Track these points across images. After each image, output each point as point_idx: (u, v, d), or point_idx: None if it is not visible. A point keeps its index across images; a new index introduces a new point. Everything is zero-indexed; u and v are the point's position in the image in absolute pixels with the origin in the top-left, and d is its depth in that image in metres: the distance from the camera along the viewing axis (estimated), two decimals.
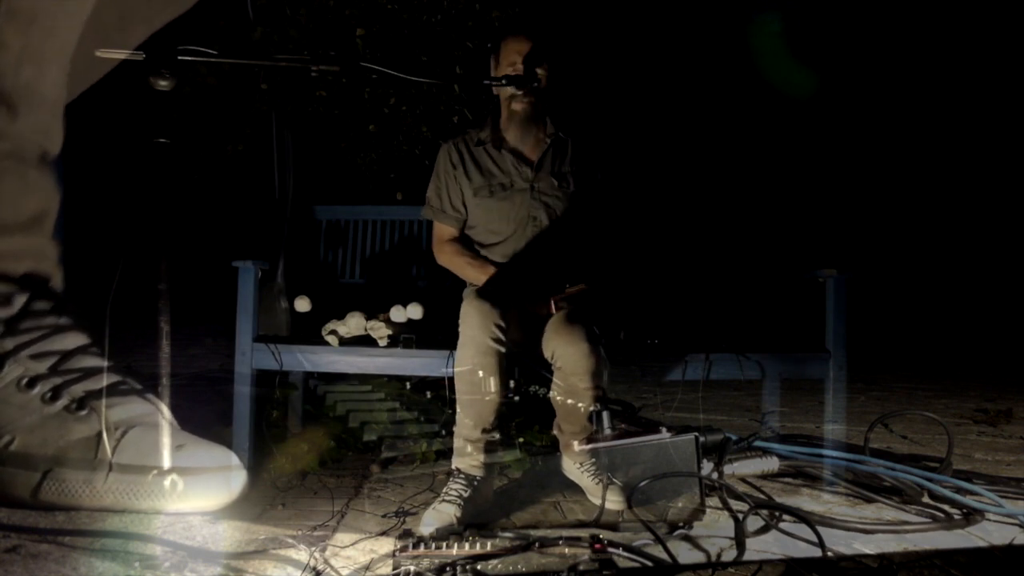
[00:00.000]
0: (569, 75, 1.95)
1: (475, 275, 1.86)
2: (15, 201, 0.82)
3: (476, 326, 1.54)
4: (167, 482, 1.05)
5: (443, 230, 1.95)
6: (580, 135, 1.99)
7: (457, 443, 1.62)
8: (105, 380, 0.84)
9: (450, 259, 1.92)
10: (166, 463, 0.80)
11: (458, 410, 1.61)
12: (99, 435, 0.78)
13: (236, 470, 0.88)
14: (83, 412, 0.79)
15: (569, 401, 1.62)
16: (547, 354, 1.63)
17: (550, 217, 1.86)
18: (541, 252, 1.85)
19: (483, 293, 1.59)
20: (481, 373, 1.54)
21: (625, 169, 2.03)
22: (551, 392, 1.65)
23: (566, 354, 1.57)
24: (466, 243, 1.94)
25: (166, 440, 0.82)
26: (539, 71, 1.81)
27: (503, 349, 1.56)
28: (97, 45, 0.86)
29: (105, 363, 0.85)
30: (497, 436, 1.63)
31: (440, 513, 1.49)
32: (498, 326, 1.54)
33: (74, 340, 0.84)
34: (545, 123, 1.94)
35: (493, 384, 1.55)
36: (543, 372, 1.68)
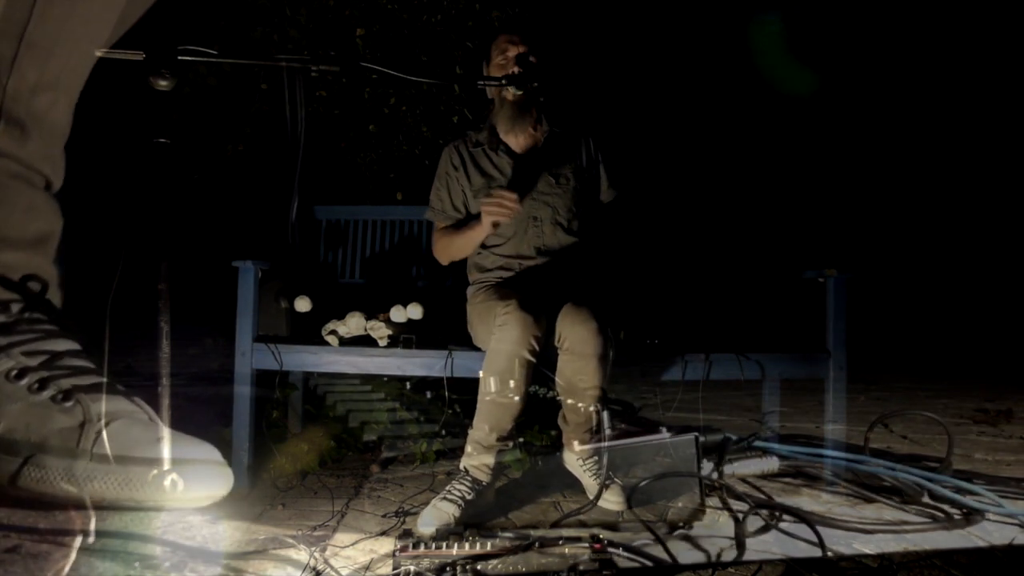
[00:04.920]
0: (562, 71, 1.95)
1: (465, 239, 1.81)
2: (21, 220, 0.83)
3: (516, 339, 1.53)
4: (167, 481, 1.05)
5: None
6: (577, 130, 1.99)
7: (469, 445, 1.63)
8: (93, 379, 0.84)
9: (445, 246, 1.90)
10: (150, 454, 0.80)
11: (476, 414, 1.61)
12: (82, 425, 0.78)
13: (221, 465, 0.88)
14: (68, 403, 0.80)
15: (573, 388, 1.62)
16: (555, 339, 1.63)
17: (551, 216, 1.86)
18: (543, 252, 1.85)
19: (524, 304, 1.57)
20: (511, 383, 1.55)
21: (627, 161, 2.03)
22: (556, 378, 1.65)
23: (574, 333, 1.57)
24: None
25: (149, 433, 0.82)
26: (532, 59, 1.83)
27: (535, 360, 1.57)
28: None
29: (94, 366, 0.86)
30: (510, 444, 1.63)
31: (439, 511, 1.49)
32: (535, 338, 1.55)
33: (66, 344, 0.85)
34: (540, 120, 1.94)
35: (519, 393, 1.56)
36: (546, 372, 1.68)
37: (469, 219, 1.87)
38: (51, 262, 0.88)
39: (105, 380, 0.85)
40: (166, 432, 0.85)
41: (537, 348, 1.56)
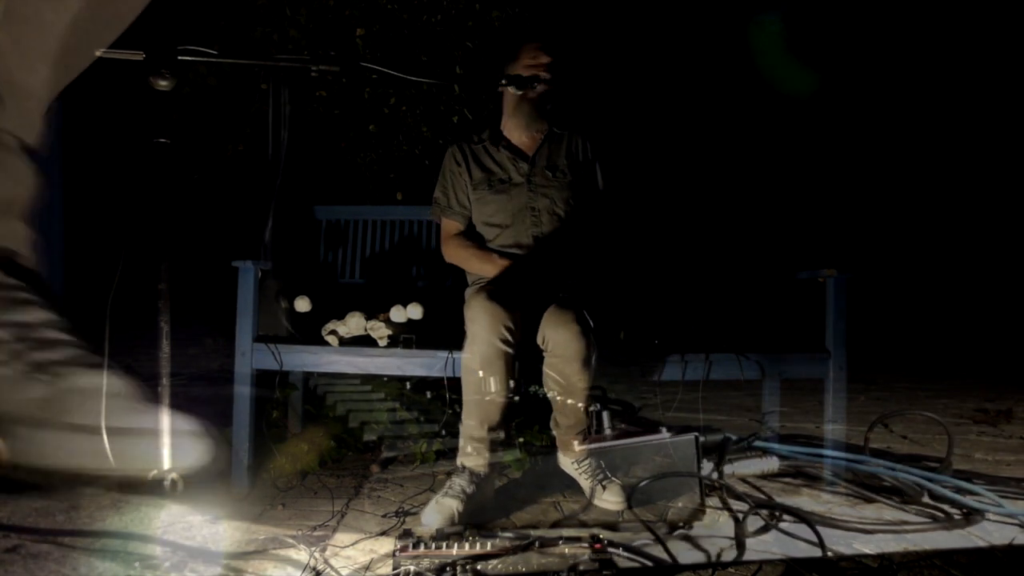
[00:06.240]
0: (572, 73, 1.97)
1: (480, 266, 1.89)
2: None
3: (485, 327, 1.55)
4: (167, 482, 1.05)
5: (450, 226, 1.99)
6: (576, 130, 2.02)
7: (462, 441, 1.65)
8: (68, 351, 0.83)
9: (456, 252, 1.95)
10: (127, 424, 0.79)
11: (464, 409, 1.63)
12: (56, 397, 0.77)
13: (201, 436, 0.87)
14: (43, 376, 0.79)
15: (561, 389, 1.63)
16: (539, 340, 1.65)
17: (549, 207, 1.89)
18: (540, 241, 1.87)
19: (492, 294, 1.60)
20: (488, 373, 1.56)
21: (623, 162, 2.05)
22: (544, 381, 1.66)
23: (555, 336, 1.59)
24: (472, 237, 1.97)
25: (126, 404, 0.81)
26: (558, 68, 1.88)
27: (510, 350, 1.58)
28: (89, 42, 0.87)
29: (69, 337, 0.85)
30: (501, 435, 1.65)
31: (443, 506, 1.51)
32: (506, 327, 1.56)
33: (40, 315, 0.84)
34: (541, 120, 1.97)
35: (499, 384, 1.57)
36: (542, 368, 1.68)
37: (488, 245, 1.93)
38: (23, 223, 0.87)
39: (81, 352, 0.84)
40: (143, 404, 0.84)
41: (510, 338, 1.57)
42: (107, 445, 0.78)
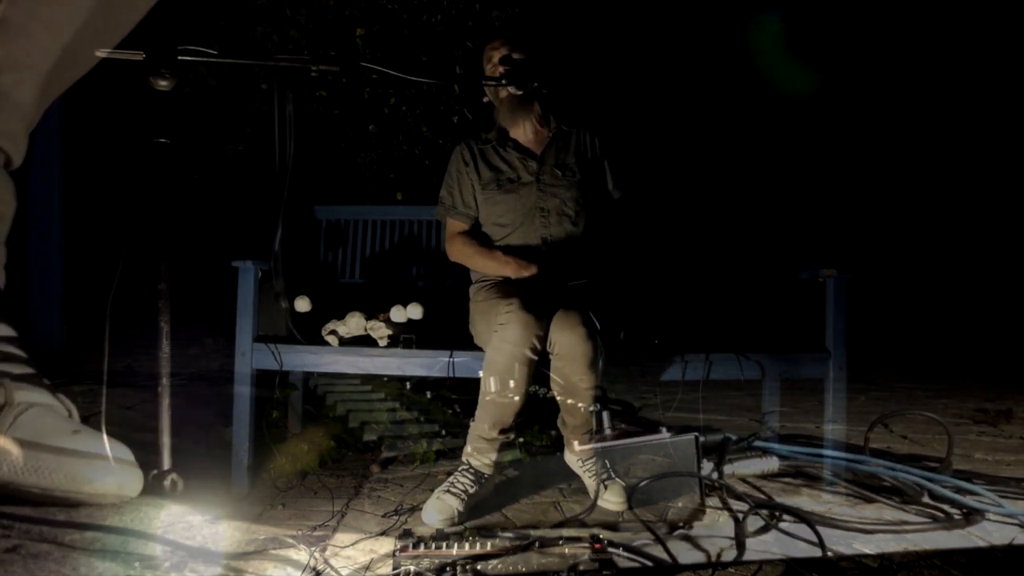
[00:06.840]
0: (562, 70, 1.96)
1: (484, 264, 1.89)
2: None
3: (518, 336, 1.55)
4: (167, 482, 1.05)
5: (455, 226, 1.98)
6: (583, 128, 2.02)
7: (471, 440, 1.66)
8: (21, 367, 0.84)
9: (460, 250, 1.94)
10: (62, 444, 0.80)
11: (478, 409, 1.64)
12: (1, 408, 0.79)
13: (131, 465, 0.88)
14: None
15: (568, 392, 1.64)
16: (546, 344, 1.65)
17: (558, 208, 1.88)
18: (549, 242, 1.87)
19: (526, 304, 1.59)
20: (511, 379, 1.57)
21: (631, 159, 2.05)
22: (551, 384, 1.67)
23: (562, 340, 1.59)
24: (476, 236, 1.96)
25: (65, 425, 0.82)
26: (515, 56, 1.87)
27: (536, 358, 1.59)
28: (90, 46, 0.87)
29: (25, 355, 0.86)
30: (512, 437, 1.66)
31: (444, 504, 1.52)
32: (537, 336, 1.57)
33: (3, 330, 0.85)
34: (548, 119, 1.98)
35: (520, 390, 1.58)
36: (544, 370, 1.68)
37: (495, 245, 1.93)
38: (2, 246, 0.88)
39: (32, 371, 0.84)
40: (82, 427, 0.85)
41: (539, 347, 1.58)
42: (46, 462, 0.79)
